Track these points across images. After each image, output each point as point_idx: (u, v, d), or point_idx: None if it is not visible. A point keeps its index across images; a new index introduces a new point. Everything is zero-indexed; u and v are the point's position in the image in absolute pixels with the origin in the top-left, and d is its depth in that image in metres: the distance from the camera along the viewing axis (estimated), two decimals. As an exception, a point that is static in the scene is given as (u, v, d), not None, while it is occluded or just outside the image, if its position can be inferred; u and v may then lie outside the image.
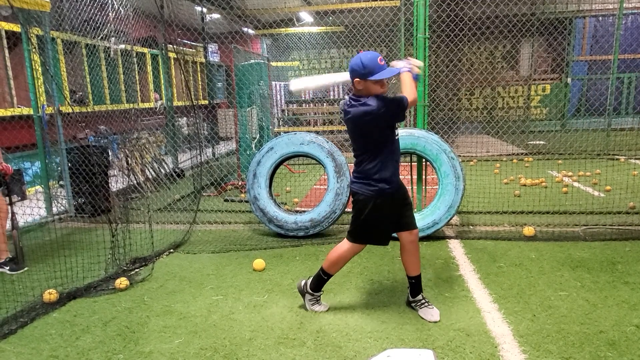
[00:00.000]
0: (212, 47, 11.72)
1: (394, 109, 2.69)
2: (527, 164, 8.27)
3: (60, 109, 5.66)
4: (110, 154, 6.69)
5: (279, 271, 3.81)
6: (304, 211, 4.80)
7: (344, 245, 2.97)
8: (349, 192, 4.19)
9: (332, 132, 11.53)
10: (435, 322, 2.85)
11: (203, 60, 10.21)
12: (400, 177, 2.93)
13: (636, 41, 12.46)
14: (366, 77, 2.62)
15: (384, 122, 2.72)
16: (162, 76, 9.94)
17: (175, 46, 7.73)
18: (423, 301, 2.98)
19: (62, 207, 5.86)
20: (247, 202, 5.74)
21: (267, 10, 10.76)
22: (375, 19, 7.31)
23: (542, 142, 10.61)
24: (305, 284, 3.10)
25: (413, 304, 3.02)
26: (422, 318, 2.91)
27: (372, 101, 2.65)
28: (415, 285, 2.98)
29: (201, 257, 4.23)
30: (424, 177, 4.70)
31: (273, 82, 12.39)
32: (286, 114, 12.90)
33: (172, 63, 9.84)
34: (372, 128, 2.71)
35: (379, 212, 2.82)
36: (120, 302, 3.31)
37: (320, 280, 3.05)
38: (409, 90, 2.71)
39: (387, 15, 10.63)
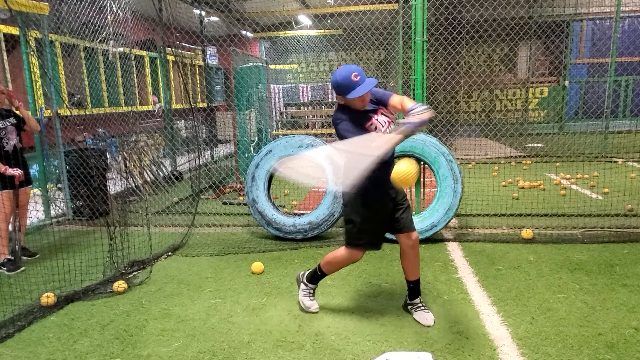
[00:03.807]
0: (211, 49, 11.73)
1: (339, 134, 2.72)
2: (525, 167, 8.28)
3: (59, 111, 5.66)
4: (108, 156, 6.68)
5: (277, 274, 3.80)
6: (303, 214, 4.79)
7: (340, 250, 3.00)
8: None
9: (330, 134, 11.52)
10: (429, 326, 2.85)
11: (202, 63, 10.22)
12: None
13: (633, 44, 12.50)
14: (345, 95, 2.66)
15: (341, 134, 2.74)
16: (160, 79, 9.94)
17: (173, 49, 7.74)
18: (420, 304, 2.98)
19: (60, 210, 5.85)
20: (245, 204, 5.74)
21: (265, 13, 10.79)
22: (374, 22, 7.33)
23: (540, 145, 10.62)
24: (303, 274, 3.17)
25: (409, 307, 3.02)
26: (417, 321, 2.91)
27: (336, 113, 2.75)
28: (414, 288, 2.99)
29: (199, 260, 4.23)
30: (422, 179, 4.71)
31: (272, 85, 12.41)
32: (285, 117, 12.91)
33: (171, 66, 9.85)
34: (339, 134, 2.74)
35: (364, 211, 2.81)
36: (118, 306, 3.30)
37: (315, 275, 3.09)
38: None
39: (385, 19, 10.66)
